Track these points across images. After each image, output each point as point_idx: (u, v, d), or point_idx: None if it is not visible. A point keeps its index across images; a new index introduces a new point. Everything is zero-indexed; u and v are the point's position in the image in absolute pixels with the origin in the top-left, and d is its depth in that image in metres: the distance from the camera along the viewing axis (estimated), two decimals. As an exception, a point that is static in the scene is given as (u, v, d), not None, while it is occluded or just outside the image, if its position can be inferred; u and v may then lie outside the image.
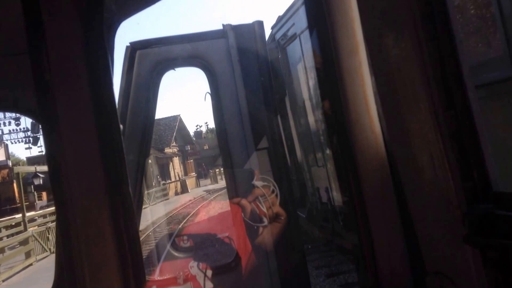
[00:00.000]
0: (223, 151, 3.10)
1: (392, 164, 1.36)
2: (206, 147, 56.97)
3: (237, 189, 3.13)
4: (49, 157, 1.32)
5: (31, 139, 35.04)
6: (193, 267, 3.10)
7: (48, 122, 1.31)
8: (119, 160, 1.28)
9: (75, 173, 1.25)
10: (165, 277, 3.12)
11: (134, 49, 2.96)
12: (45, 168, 29.06)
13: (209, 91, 3.08)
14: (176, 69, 3.11)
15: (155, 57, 2.98)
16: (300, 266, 3.09)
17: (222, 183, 38.66)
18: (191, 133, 57.69)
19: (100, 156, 1.25)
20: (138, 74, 2.95)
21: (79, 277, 1.24)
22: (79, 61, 1.29)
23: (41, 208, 31.47)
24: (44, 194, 37.71)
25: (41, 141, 36.27)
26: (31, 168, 30.48)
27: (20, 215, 26.27)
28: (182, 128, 50.99)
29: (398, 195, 1.36)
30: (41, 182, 31.30)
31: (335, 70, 1.44)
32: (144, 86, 2.96)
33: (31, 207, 32.41)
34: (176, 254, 3.51)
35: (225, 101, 3.03)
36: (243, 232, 3.24)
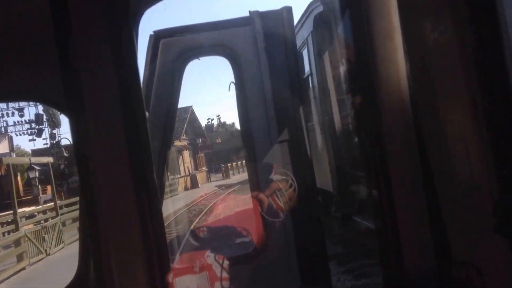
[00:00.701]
0: (246, 143, 3.19)
1: (422, 151, 1.40)
2: (218, 140, 57.04)
3: (257, 182, 3.22)
4: (76, 144, 1.41)
5: (35, 131, 35.50)
6: (209, 257, 3.22)
7: (74, 107, 1.38)
8: (144, 147, 1.35)
9: (101, 159, 1.32)
10: (183, 266, 3.24)
11: (158, 37, 3.06)
12: (42, 159, 28.51)
13: (234, 81, 3.18)
14: (200, 58, 3.21)
15: (179, 46, 3.07)
16: (320, 260, 3.16)
17: (234, 178, 38.66)
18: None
19: (126, 143, 1.32)
20: (162, 63, 3.06)
21: (105, 262, 1.30)
22: (104, 47, 1.36)
23: (45, 202, 31.64)
24: (49, 187, 38.03)
25: (46, 133, 36.56)
26: (25, 160, 29.42)
27: (24, 209, 25.21)
28: (194, 120, 51.09)
29: (426, 183, 1.41)
30: (37, 175, 30.39)
31: (368, 56, 1.48)
32: (167, 75, 3.06)
33: (35, 201, 32.63)
34: (194, 243, 3.62)
35: (250, 91, 3.12)
36: (261, 227, 3.33)
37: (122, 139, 1.32)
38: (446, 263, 1.37)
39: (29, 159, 28.29)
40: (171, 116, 3.12)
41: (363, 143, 1.56)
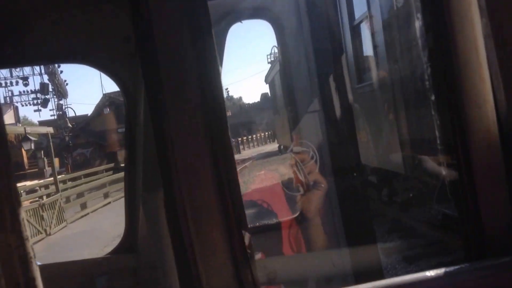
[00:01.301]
0: (290, 109, 3.27)
1: (502, 116, 1.41)
2: (229, 113, 56.92)
3: None
4: (148, 97, 1.44)
5: (40, 100, 35.63)
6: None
7: (149, 71, 1.38)
8: (219, 102, 1.36)
9: (175, 116, 1.33)
10: None
11: None
12: (40, 129, 27.69)
13: (276, 45, 3.26)
14: (242, 21, 3.28)
15: (221, 9, 3.14)
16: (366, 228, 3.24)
17: (245, 153, 38.77)
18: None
19: (201, 96, 1.33)
20: None
21: (182, 220, 1.33)
22: (180, 13, 1.36)
23: (51, 176, 31.84)
24: (56, 160, 37.94)
25: (53, 104, 36.62)
26: (19, 129, 28.12)
27: (25, 183, 24.57)
28: (202, 93, 50.81)
29: (504, 143, 1.42)
30: (32, 147, 29.78)
31: (442, 11, 1.44)
32: None
33: (41, 175, 32.95)
34: None
35: (293, 56, 3.20)
36: (283, 201, 3.41)
37: (197, 91, 1.34)
38: None
39: (24, 128, 26.70)
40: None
41: (438, 110, 1.54)
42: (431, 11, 1.54)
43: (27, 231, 1.10)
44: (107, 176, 30.72)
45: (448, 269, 1.38)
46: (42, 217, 19.05)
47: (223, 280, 1.34)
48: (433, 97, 1.62)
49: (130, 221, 2.98)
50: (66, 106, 39.19)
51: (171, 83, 1.35)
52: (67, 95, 38.58)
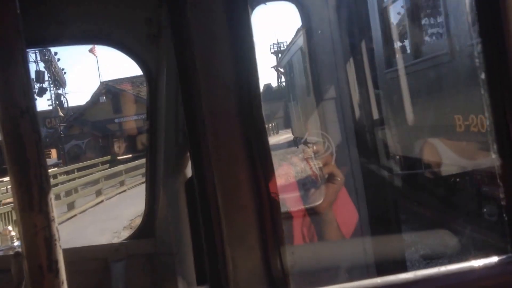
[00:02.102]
0: (310, 96, 3.25)
1: None
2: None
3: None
4: (181, 77, 1.42)
5: (36, 90, 35.50)
6: None
7: (182, 50, 1.37)
8: (253, 81, 1.34)
9: (207, 96, 1.32)
10: None
11: (222, -20, 3.07)
12: None
13: (301, 26, 3.23)
14: (267, 3, 3.24)
15: None
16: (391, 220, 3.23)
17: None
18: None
19: (234, 78, 1.32)
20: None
21: (212, 200, 1.32)
22: None
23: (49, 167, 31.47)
24: (53, 151, 37.51)
25: (51, 93, 36.12)
26: None
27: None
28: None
29: None
30: None
31: None
32: None
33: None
34: None
35: (318, 37, 3.17)
36: (297, 196, 3.39)
37: (230, 70, 1.33)
38: None
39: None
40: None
41: (489, 89, 1.51)
42: None
43: (54, 212, 1.11)
44: (102, 170, 30.32)
45: (497, 258, 1.37)
46: (15, 224, 14.99)
47: (251, 264, 1.33)
48: (482, 75, 1.57)
49: (149, 207, 3.00)
50: (65, 96, 38.93)
51: (204, 61, 1.33)
52: (65, 84, 38.30)
